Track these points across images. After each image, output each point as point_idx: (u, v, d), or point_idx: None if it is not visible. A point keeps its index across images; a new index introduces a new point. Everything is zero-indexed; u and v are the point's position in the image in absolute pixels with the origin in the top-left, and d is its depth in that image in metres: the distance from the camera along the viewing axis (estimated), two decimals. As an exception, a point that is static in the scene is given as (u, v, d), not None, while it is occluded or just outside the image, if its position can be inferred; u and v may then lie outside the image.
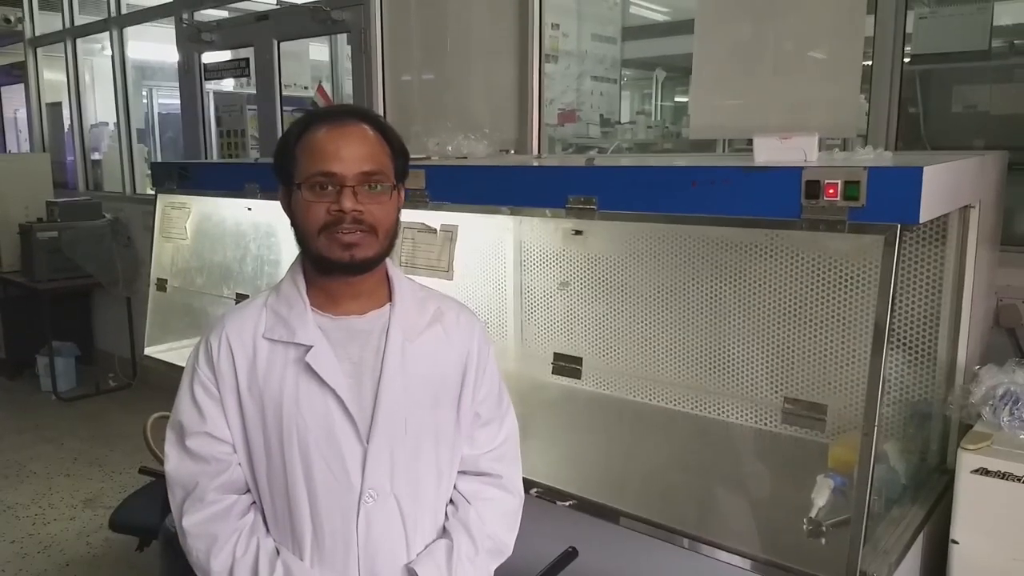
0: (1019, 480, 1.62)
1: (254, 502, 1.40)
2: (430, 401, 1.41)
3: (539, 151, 3.33)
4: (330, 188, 1.30)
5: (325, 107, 1.46)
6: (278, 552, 1.37)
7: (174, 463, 1.39)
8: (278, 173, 1.38)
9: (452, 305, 1.51)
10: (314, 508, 1.34)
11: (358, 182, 1.30)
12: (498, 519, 1.48)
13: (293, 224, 1.36)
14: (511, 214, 2.21)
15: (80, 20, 6.06)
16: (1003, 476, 1.63)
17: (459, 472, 1.48)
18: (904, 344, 2.02)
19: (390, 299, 1.42)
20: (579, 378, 2.56)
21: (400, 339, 1.39)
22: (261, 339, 1.38)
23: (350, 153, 1.30)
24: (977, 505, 1.68)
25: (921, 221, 1.44)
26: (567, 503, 1.90)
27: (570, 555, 1.80)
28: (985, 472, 1.65)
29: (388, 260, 1.44)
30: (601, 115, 4.92)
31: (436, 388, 1.42)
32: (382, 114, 3.76)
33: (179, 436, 1.40)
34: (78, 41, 6.07)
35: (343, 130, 1.33)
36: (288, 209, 1.38)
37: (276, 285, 1.46)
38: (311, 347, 1.35)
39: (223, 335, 1.39)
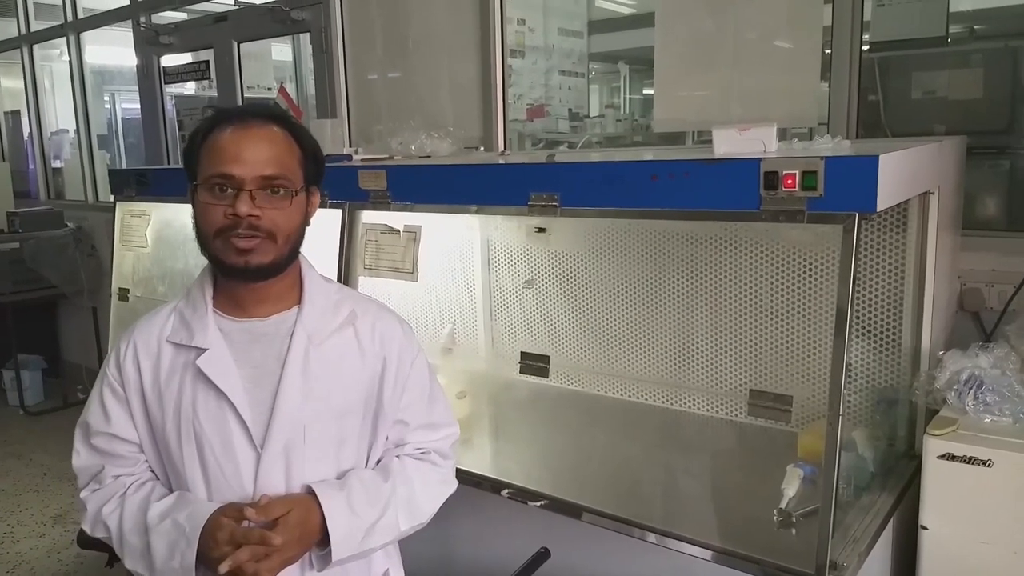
0: (984, 464, 1.63)
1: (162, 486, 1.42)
2: (335, 408, 1.38)
3: (504, 148, 3.30)
4: (228, 190, 1.27)
5: (235, 106, 1.42)
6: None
7: (83, 458, 1.42)
8: (186, 171, 1.35)
9: (371, 309, 1.47)
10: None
11: (257, 186, 1.27)
12: (420, 479, 1.45)
13: (194, 225, 1.33)
14: (475, 213, 2.19)
15: (36, 26, 5.93)
16: (969, 460, 1.64)
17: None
18: (868, 331, 2.02)
19: (300, 302, 1.40)
20: (547, 376, 2.55)
21: (304, 343, 1.36)
22: (166, 342, 1.37)
23: (252, 155, 1.27)
24: (945, 490, 1.69)
25: (879, 209, 1.44)
26: (538, 503, 1.88)
27: (542, 556, 1.79)
28: (951, 457, 1.66)
29: (304, 261, 1.43)
30: (570, 109, 4.91)
31: (343, 394, 1.39)
32: (345, 113, 3.72)
33: (85, 434, 1.42)
34: (35, 47, 5.95)
35: (246, 131, 1.30)
36: (193, 208, 1.34)
37: (189, 288, 1.44)
38: (207, 350, 1.34)
39: (131, 339, 1.40)
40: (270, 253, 1.30)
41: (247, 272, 1.30)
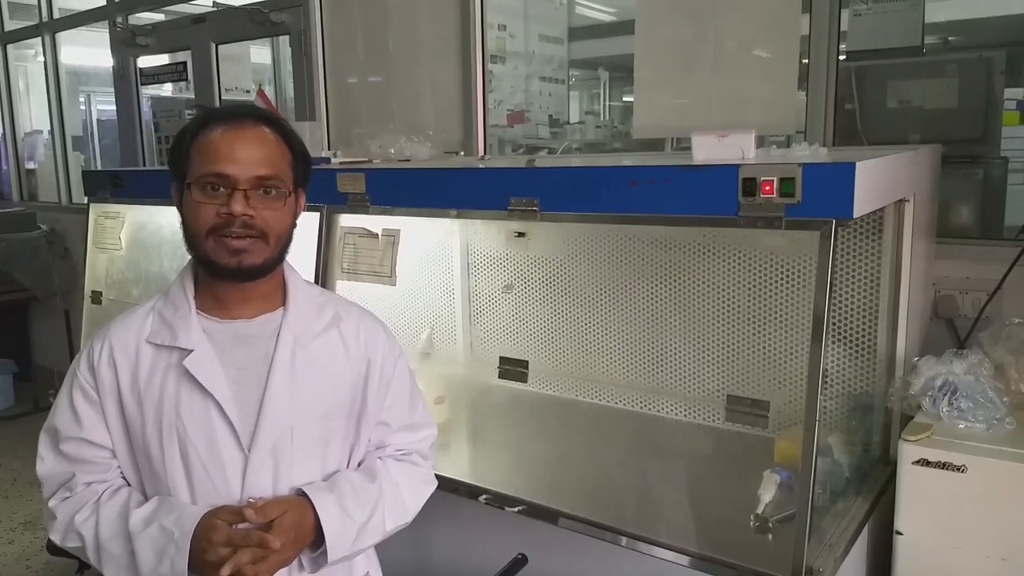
0: (958, 470, 1.64)
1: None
2: (321, 410, 1.38)
3: (484, 153, 3.30)
4: (222, 190, 1.27)
5: (225, 106, 1.42)
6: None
7: (49, 465, 1.37)
8: (172, 170, 1.34)
9: (354, 312, 1.48)
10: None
11: (251, 186, 1.27)
12: (404, 479, 1.46)
13: (183, 224, 1.33)
14: (455, 217, 2.18)
15: (10, 26, 5.85)
16: (943, 466, 1.65)
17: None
18: (844, 338, 2.04)
19: (284, 303, 1.40)
20: (525, 381, 2.54)
21: (291, 344, 1.36)
22: (145, 344, 1.35)
23: (245, 155, 1.28)
24: (919, 495, 1.70)
25: (855, 216, 1.45)
26: (516, 509, 1.87)
27: (520, 562, 1.78)
28: (926, 463, 1.67)
29: (287, 263, 1.42)
30: (550, 115, 4.93)
31: (328, 396, 1.39)
32: (324, 116, 3.70)
33: (53, 440, 1.37)
34: (9, 47, 5.86)
35: (240, 132, 1.30)
36: (180, 208, 1.34)
37: (167, 288, 1.42)
38: (192, 351, 1.32)
39: (107, 340, 1.37)
40: (262, 254, 1.30)
41: (238, 272, 1.30)
